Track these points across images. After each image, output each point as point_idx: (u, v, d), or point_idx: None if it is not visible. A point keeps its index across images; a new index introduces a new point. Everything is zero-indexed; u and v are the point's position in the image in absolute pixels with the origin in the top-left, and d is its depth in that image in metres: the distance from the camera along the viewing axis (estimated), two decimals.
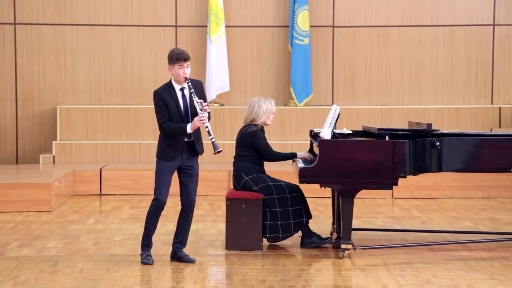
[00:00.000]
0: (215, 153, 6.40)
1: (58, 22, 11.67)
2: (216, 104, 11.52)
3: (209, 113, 6.44)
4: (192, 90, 6.38)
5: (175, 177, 6.55)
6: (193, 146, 6.49)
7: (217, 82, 11.40)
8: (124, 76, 11.70)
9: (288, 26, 11.66)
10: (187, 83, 6.39)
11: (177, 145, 6.43)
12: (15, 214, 8.88)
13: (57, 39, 11.69)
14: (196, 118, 6.33)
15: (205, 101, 6.45)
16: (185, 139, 6.44)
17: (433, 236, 7.74)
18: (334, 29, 11.83)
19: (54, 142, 11.21)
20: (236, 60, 11.81)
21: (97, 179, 10.32)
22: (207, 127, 6.33)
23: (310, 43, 11.52)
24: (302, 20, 11.42)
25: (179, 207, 6.67)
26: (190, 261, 6.58)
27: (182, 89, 6.45)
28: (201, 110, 6.33)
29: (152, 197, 6.52)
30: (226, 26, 11.52)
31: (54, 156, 11.14)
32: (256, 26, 11.81)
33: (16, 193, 9.06)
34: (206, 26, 11.54)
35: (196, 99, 6.36)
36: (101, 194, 10.31)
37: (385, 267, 6.49)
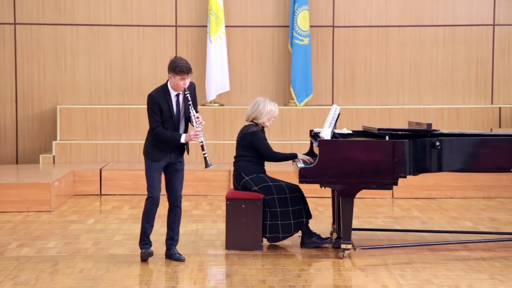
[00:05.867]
0: (205, 168, 6.48)
1: (58, 22, 11.67)
2: (216, 104, 11.51)
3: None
4: (190, 102, 6.42)
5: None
6: (183, 148, 6.57)
7: (217, 82, 11.40)
8: (124, 76, 11.69)
9: (288, 26, 11.66)
10: (185, 94, 6.42)
11: (166, 149, 6.51)
12: (15, 214, 8.87)
13: (57, 39, 11.68)
14: (192, 132, 6.41)
15: (196, 102, 6.52)
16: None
17: (433, 236, 7.74)
18: (334, 29, 11.83)
19: (54, 142, 11.20)
20: (236, 60, 11.80)
21: (97, 179, 10.32)
22: (201, 142, 6.39)
23: (310, 43, 11.51)
24: (302, 20, 11.41)
25: None
26: (179, 259, 6.60)
27: (177, 95, 6.48)
28: (196, 124, 6.40)
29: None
30: (226, 26, 11.51)
31: (54, 156, 11.14)
32: (256, 26, 11.80)
33: (16, 193, 9.06)
34: (206, 26, 11.54)
35: (193, 112, 6.42)
36: (101, 194, 10.31)
37: (385, 267, 6.49)
